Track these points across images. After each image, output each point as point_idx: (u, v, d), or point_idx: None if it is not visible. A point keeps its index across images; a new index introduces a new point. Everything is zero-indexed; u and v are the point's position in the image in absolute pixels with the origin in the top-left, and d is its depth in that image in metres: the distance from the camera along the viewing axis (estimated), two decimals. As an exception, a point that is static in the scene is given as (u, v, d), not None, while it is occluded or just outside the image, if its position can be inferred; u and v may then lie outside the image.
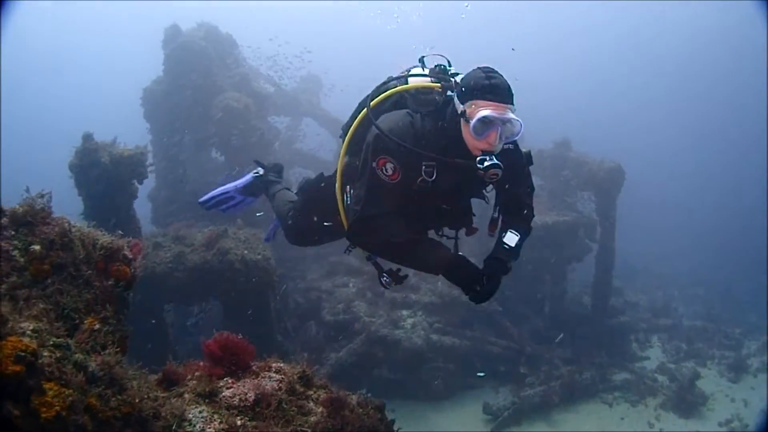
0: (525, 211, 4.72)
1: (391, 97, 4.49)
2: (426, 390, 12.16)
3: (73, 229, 3.70)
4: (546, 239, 14.34)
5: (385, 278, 4.80)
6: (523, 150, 4.64)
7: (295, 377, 4.10)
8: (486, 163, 3.96)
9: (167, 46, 15.76)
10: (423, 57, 4.74)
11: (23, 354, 2.59)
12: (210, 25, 16.70)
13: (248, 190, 6.41)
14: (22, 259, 3.39)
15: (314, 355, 12.26)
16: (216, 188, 6.50)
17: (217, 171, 15.23)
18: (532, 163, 4.72)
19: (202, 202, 6.47)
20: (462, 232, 4.82)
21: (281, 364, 4.23)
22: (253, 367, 4.20)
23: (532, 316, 15.41)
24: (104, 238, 3.85)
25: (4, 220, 3.50)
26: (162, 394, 3.80)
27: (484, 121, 3.94)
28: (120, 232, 4.13)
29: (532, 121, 5.01)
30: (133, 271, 3.99)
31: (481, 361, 12.94)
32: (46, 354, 2.77)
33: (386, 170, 4.14)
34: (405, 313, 12.60)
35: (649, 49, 59.57)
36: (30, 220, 3.52)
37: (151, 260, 9.85)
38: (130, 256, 3.97)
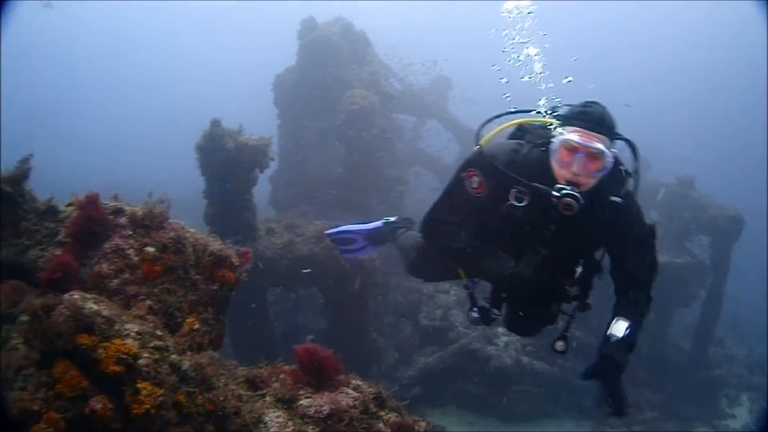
0: (638, 294, 4.25)
1: (510, 128, 4.51)
2: (507, 410, 12.13)
3: (188, 235, 4.05)
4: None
5: (474, 313, 4.74)
6: (648, 221, 4.28)
7: (370, 397, 4.29)
8: (562, 192, 3.81)
9: (302, 38, 16.35)
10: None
11: (124, 356, 2.92)
12: (345, 21, 17.13)
13: (373, 237, 6.43)
14: (136, 258, 3.76)
15: (404, 356, 12.52)
16: (345, 226, 6.59)
17: (338, 162, 15.63)
18: (654, 236, 4.28)
19: (328, 234, 6.70)
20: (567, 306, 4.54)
21: (360, 382, 4.42)
22: (337, 379, 4.37)
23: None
24: (215, 245, 4.19)
25: (123, 220, 3.88)
26: (246, 393, 4.07)
27: (566, 146, 3.85)
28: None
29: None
30: (237, 276, 4.31)
31: (568, 392, 12.79)
32: (145, 355, 3.09)
33: (472, 183, 4.13)
34: (500, 330, 12.62)
35: (647, 50, 57.21)
36: (148, 223, 3.89)
37: (262, 244, 10.37)
38: (237, 263, 4.29)
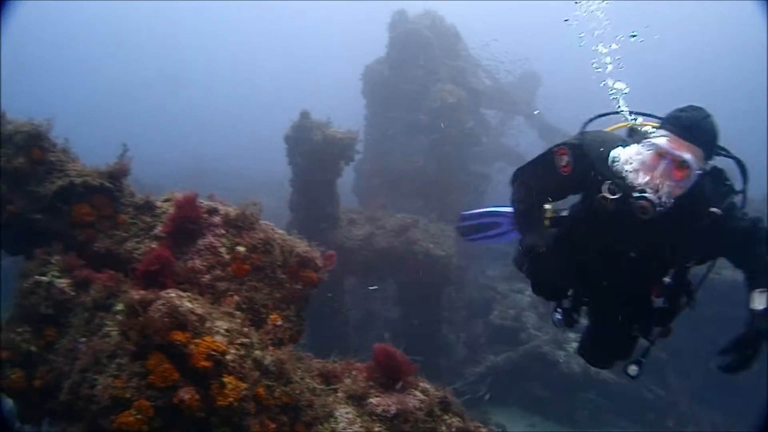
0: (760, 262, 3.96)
1: (618, 129, 4.38)
2: (570, 416, 12.08)
3: (276, 236, 4.32)
4: (731, 295, 13.52)
5: (558, 315, 4.66)
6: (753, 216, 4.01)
7: (436, 400, 4.47)
8: (640, 194, 3.71)
9: (393, 30, 16.48)
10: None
11: (214, 353, 3.19)
12: (436, 15, 17.19)
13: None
14: (227, 256, 4.05)
15: (472, 353, 12.63)
16: (491, 207, 5.89)
17: (422, 155, 15.74)
18: (761, 227, 3.97)
19: (463, 216, 5.91)
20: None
21: (427, 385, 4.60)
22: (407, 381, 4.54)
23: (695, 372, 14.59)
24: (301, 246, 4.45)
25: (217, 219, 4.18)
26: (319, 386, 4.31)
27: (652, 149, 3.74)
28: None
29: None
30: (319, 277, 4.56)
31: (633, 404, 12.61)
32: (233, 351, 3.37)
33: (561, 161, 4.07)
34: (572, 335, 12.56)
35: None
36: (240, 224, 4.18)
37: (343, 234, 10.68)
38: (320, 265, 4.55)
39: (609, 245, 4.13)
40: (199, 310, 3.29)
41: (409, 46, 15.85)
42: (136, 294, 3.35)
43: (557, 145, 4.17)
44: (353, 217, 11.24)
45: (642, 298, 4.30)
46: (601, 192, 3.93)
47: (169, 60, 54.43)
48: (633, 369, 4.38)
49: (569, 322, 4.64)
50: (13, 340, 3.69)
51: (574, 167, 4.04)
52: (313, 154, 10.12)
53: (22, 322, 3.74)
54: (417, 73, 15.66)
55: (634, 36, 4.71)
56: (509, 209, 5.32)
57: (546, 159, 4.18)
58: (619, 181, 3.87)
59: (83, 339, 3.52)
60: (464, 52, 18.05)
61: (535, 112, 20.21)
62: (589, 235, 4.20)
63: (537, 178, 4.28)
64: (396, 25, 16.55)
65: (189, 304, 3.27)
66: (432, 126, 14.80)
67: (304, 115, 10.24)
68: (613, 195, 3.88)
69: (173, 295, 3.29)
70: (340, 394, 4.37)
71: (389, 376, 4.45)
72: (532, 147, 20.32)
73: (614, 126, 4.42)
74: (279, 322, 4.13)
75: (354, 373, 4.59)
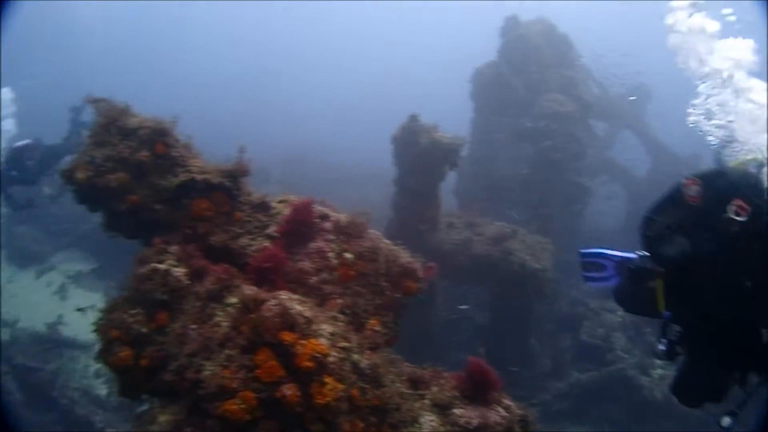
0: None
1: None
2: (646, 445, 11.86)
3: (382, 245, 4.54)
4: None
5: (662, 346, 4.42)
6: None
7: (517, 419, 4.59)
8: None
9: (505, 35, 16.51)
10: None
11: (317, 355, 3.44)
12: (548, 23, 17.15)
13: (623, 267, 5.33)
14: (335, 261, 4.30)
15: (557, 368, 12.57)
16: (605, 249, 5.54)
17: (526, 163, 15.71)
18: None
19: (582, 254, 5.53)
20: None
21: (510, 403, 4.72)
22: (492, 395, 4.66)
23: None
24: (404, 257, 4.65)
25: (328, 225, 4.44)
26: (407, 391, 4.51)
27: None
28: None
29: None
30: (419, 287, 4.76)
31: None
32: (334, 354, 3.61)
33: (690, 191, 3.85)
34: (659, 362, 12.33)
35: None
36: (349, 231, 4.42)
37: (440, 237, 10.85)
38: (421, 276, 4.74)
39: (726, 273, 3.81)
40: (308, 313, 3.54)
41: (520, 52, 15.87)
42: (251, 291, 3.63)
43: (686, 177, 3.94)
44: (453, 221, 11.40)
45: (752, 335, 3.93)
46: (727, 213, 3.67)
47: (279, 53, 55.95)
48: (726, 420, 4.06)
49: (672, 355, 4.40)
50: (124, 321, 4.01)
51: (704, 196, 3.82)
52: (419, 157, 10.30)
53: (135, 304, 4.06)
54: (527, 80, 15.67)
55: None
56: (619, 254, 5.21)
57: (675, 192, 3.98)
58: (751, 199, 3.64)
59: (194, 326, 3.81)
60: (576, 60, 17.85)
61: (631, 98, 19.76)
62: (707, 261, 3.87)
63: (668, 214, 4.02)
64: (508, 30, 16.60)
65: (299, 307, 3.52)
66: (539, 134, 14.75)
67: (413, 118, 10.45)
68: (738, 216, 3.62)
69: (285, 297, 3.55)
70: (426, 401, 4.53)
71: (478, 390, 4.59)
72: (638, 162, 19.97)
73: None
74: (377, 328, 4.35)
75: (442, 381, 4.74)
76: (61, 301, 16.05)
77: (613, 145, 20.43)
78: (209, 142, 6.18)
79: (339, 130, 35.44)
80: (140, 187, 4.65)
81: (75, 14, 45.79)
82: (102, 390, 12.27)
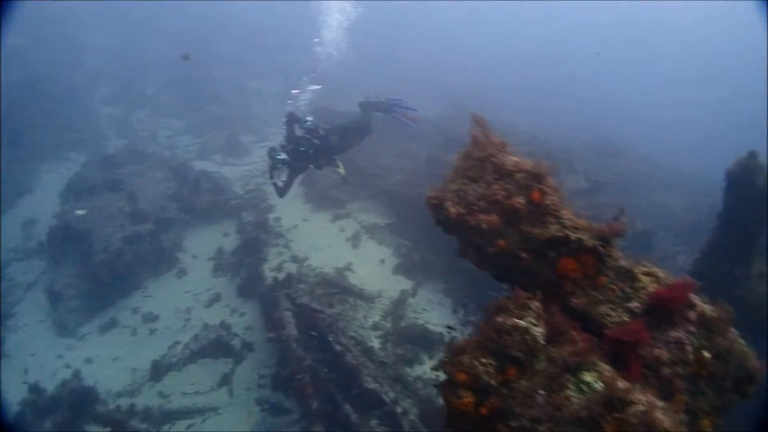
0: None
1: None
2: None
3: (737, 346, 4.29)
4: None
5: None
6: None
7: None
8: None
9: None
10: None
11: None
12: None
13: None
14: (691, 356, 4.13)
15: None
16: None
17: None
18: None
19: None
20: None
21: None
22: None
23: None
24: (753, 361, 4.35)
25: (692, 315, 4.25)
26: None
27: None
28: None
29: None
30: (753, 391, 4.48)
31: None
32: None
33: None
34: None
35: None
36: (712, 327, 4.21)
37: (752, 285, 10.07)
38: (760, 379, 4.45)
39: None
40: (667, 425, 3.44)
41: None
42: (611, 377, 3.62)
43: None
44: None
45: None
46: None
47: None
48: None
49: None
50: (474, 368, 4.01)
51: None
52: (751, 198, 9.60)
53: (488, 354, 4.05)
54: None
55: None
56: None
57: None
58: None
59: (543, 391, 3.83)
60: None
61: None
62: None
63: None
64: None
65: (662, 417, 3.43)
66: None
67: (752, 155, 9.73)
68: None
69: (652, 401, 3.48)
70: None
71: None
72: None
73: None
74: (708, 430, 4.18)
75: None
76: (353, 249, 16.79)
77: None
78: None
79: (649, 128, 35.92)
80: (509, 233, 4.67)
81: None
82: (375, 343, 12.75)
